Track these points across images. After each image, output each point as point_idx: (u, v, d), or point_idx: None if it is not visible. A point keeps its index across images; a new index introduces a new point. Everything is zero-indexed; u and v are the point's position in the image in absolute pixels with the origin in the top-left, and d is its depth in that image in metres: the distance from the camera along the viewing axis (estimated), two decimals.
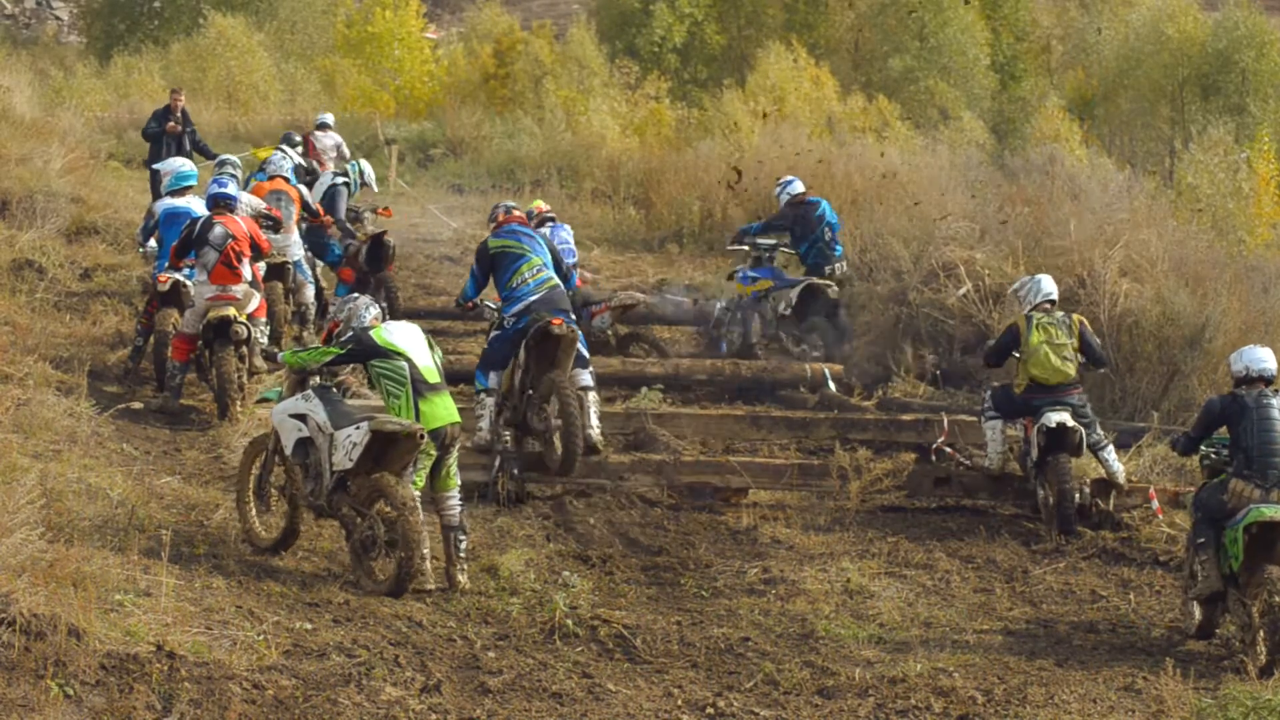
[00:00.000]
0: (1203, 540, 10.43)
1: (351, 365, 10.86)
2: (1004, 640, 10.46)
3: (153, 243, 15.64)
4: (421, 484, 10.48)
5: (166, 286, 14.58)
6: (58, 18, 53.82)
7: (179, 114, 21.80)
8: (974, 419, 14.08)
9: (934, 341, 17.44)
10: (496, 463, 12.69)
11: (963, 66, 41.72)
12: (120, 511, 10.79)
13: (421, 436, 10.31)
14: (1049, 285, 13.27)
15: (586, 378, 13.12)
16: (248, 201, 15.69)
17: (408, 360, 10.47)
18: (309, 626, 9.49)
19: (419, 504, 10.37)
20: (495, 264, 12.98)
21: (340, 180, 18.41)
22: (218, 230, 14.07)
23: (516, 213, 13.61)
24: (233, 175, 15.64)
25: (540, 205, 17.72)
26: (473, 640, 9.68)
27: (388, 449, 10.37)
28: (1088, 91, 43.74)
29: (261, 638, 9.11)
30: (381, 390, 10.46)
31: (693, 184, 24.83)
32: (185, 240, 14.16)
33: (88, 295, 17.73)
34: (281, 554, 10.79)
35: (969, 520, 12.99)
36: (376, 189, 19.59)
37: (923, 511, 13.24)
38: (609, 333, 16.79)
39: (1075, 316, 13.17)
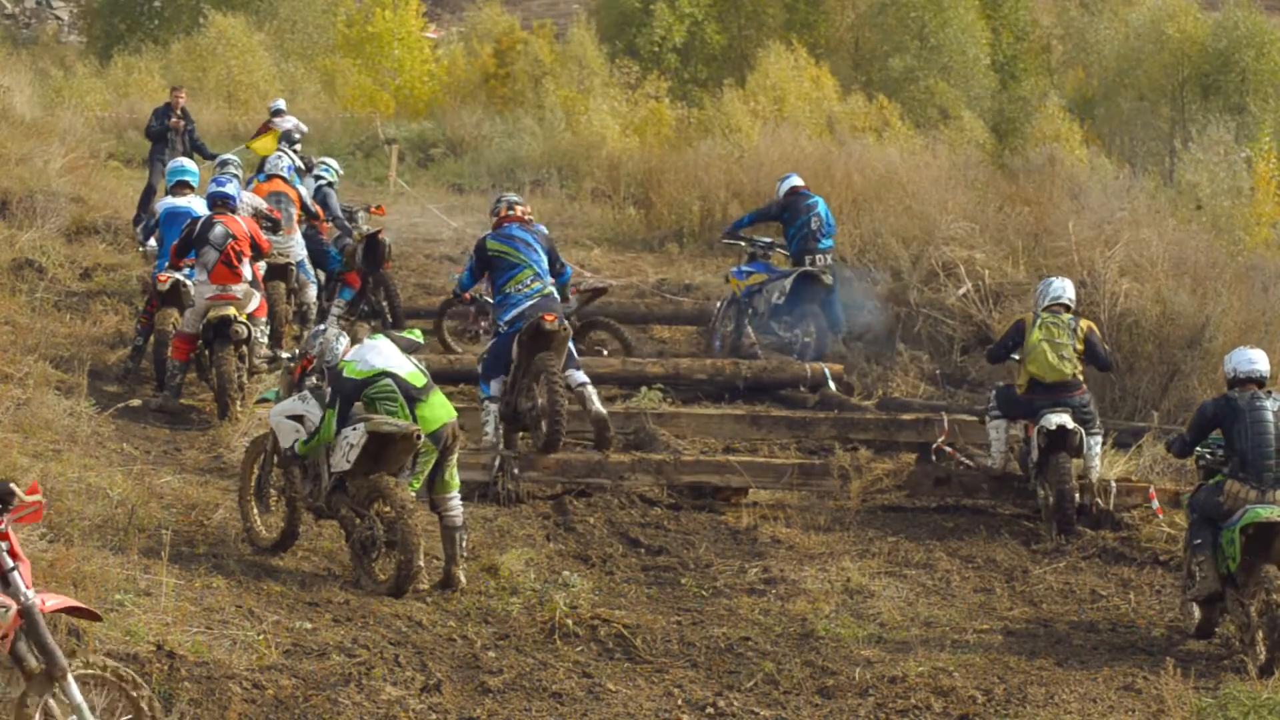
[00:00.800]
0: (1200, 541, 10.44)
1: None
2: (1004, 640, 10.46)
3: (153, 242, 15.64)
4: (418, 486, 10.48)
5: (166, 286, 14.57)
6: (58, 17, 53.81)
7: (179, 111, 21.79)
8: (974, 419, 14.10)
9: (934, 341, 17.45)
10: (496, 463, 12.71)
11: (963, 66, 41.68)
12: (120, 511, 10.79)
13: (419, 437, 10.32)
14: (1058, 288, 13.19)
15: (581, 375, 13.25)
16: (248, 201, 15.69)
17: (389, 375, 10.44)
18: (309, 626, 9.50)
19: (418, 505, 10.37)
20: (491, 265, 13.25)
21: (323, 182, 18.37)
22: (218, 230, 14.07)
23: (518, 209, 13.64)
24: (233, 175, 15.63)
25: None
26: (473, 640, 9.68)
27: (385, 450, 10.37)
28: (1088, 91, 43.73)
29: (261, 637, 9.12)
30: (379, 411, 10.44)
31: (693, 184, 24.80)
32: (186, 240, 14.17)
33: (88, 295, 17.73)
34: (281, 554, 10.80)
35: (969, 520, 13.00)
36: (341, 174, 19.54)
37: (923, 511, 13.25)
38: (571, 319, 16.54)
39: (1084, 322, 13.10)
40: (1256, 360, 10.72)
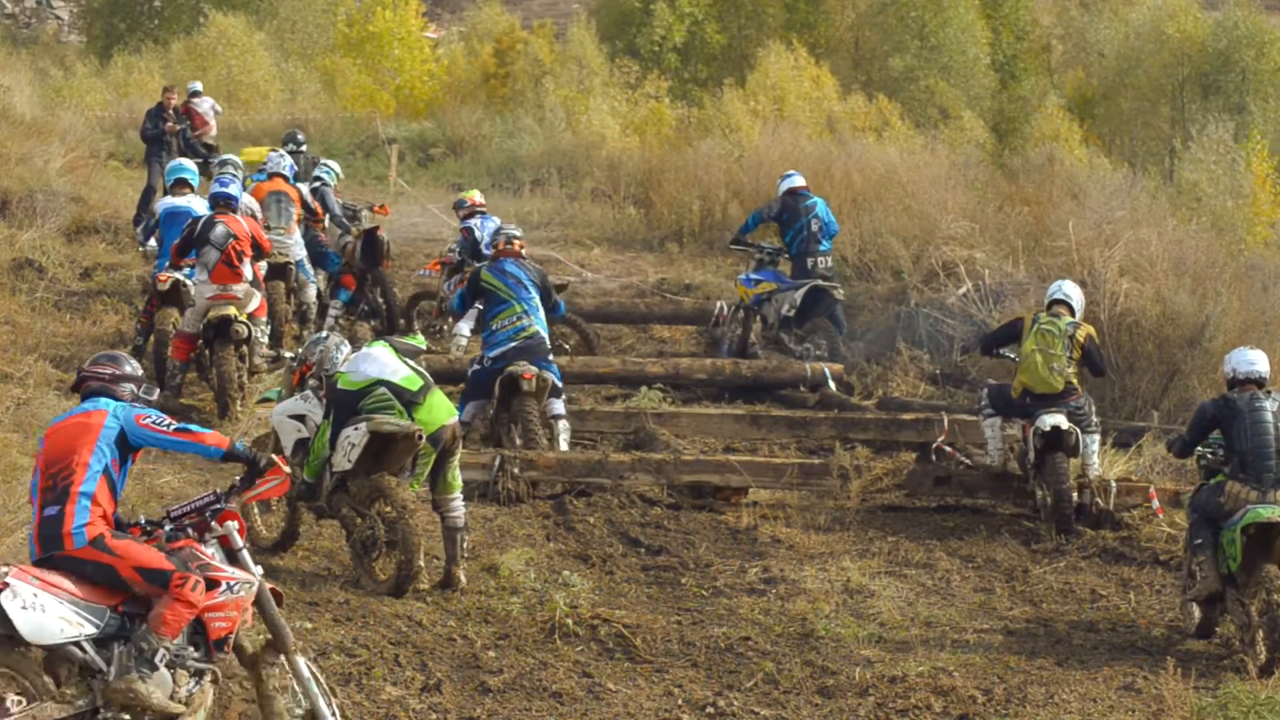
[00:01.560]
0: (1200, 541, 10.44)
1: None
2: (1004, 640, 10.46)
3: (152, 242, 15.65)
4: (418, 486, 10.48)
5: (166, 285, 14.58)
6: (58, 17, 53.82)
7: (171, 112, 21.76)
8: (974, 418, 14.09)
9: (934, 341, 17.45)
10: (496, 462, 12.72)
11: (963, 66, 41.69)
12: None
13: (420, 437, 10.32)
14: (1057, 287, 13.17)
15: (558, 406, 13.57)
16: (246, 203, 15.69)
17: (383, 383, 10.42)
18: (309, 626, 9.50)
19: (419, 505, 10.38)
20: (483, 296, 13.75)
21: (318, 183, 18.35)
22: (219, 229, 14.08)
23: (516, 244, 13.97)
24: (234, 175, 15.63)
25: (474, 196, 17.68)
26: (473, 640, 9.69)
27: (387, 450, 10.37)
28: (1088, 91, 43.74)
29: (262, 637, 9.11)
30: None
31: (693, 183, 24.81)
32: (187, 239, 14.18)
33: (88, 294, 17.73)
34: (281, 554, 10.80)
35: (969, 520, 13.00)
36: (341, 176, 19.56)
37: (923, 511, 13.25)
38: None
39: (1084, 329, 13.00)
40: (1256, 361, 10.72)
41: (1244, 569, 10.23)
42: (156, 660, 7.39)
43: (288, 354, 12.31)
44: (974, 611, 11.00)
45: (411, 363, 10.65)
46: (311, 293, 16.91)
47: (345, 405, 10.36)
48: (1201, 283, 16.70)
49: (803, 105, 34.28)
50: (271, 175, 17.18)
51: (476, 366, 13.60)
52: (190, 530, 7.77)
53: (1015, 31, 45.03)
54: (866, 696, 9.27)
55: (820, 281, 17.13)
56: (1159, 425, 14.80)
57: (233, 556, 7.79)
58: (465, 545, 10.66)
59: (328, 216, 18.04)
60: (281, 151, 18.42)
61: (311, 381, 10.85)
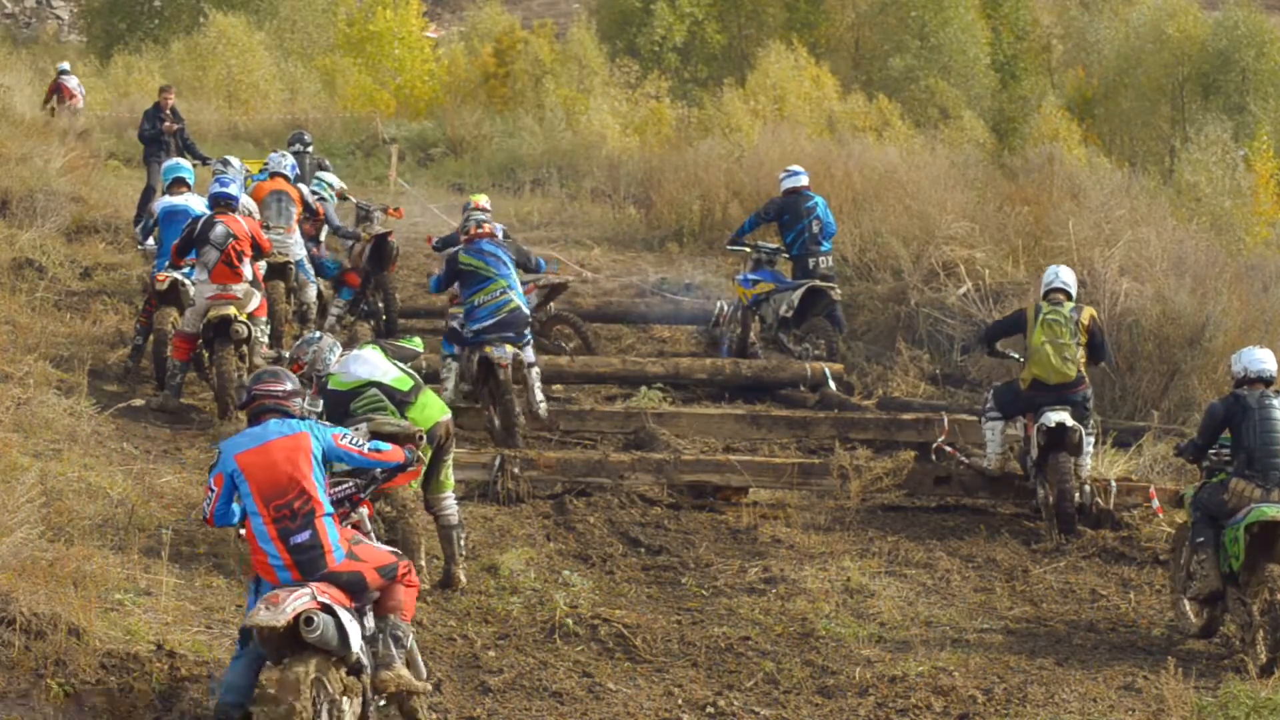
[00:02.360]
0: (1202, 539, 10.44)
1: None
2: (1004, 639, 10.46)
3: (151, 240, 15.64)
4: (416, 486, 10.48)
5: (165, 285, 14.58)
6: (58, 16, 53.82)
7: (168, 112, 21.74)
8: (974, 419, 14.08)
9: (934, 341, 17.45)
10: (497, 462, 12.73)
11: (963, 65, 41.68)
12: (120, 510, 10.79)
13: (421, 438, 10.30)
14: (1055, 275, 13.16)
15: (529, 354, 14.12)
16: (244, 203, 15.67)
17: (374, 384, 10.42)
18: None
19: (418, 504, 10.38)
20: (461, 278, 14.21)
21: (315, 198, 18.22)
22: (219, 229, 14.07)
23: (487, 227, 14.55)
24: (234, 177, 15.61)
25: (479, 201, 17.23)
26: (473, 639, 9.69)
27: None
28: (1088, 90, 43.71)
29: None
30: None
31: (693, 183, 24.80)
32: (186, 239, 14.18)
33: (88, 294, 17.73)
34: None
35: (969, 519, 13.00)
36: (343, 187, 19.48)
37: (923, 511, 13.25)
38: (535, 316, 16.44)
39: (1087, 311, 13.05)
40: (1265, 360, 10.74)
41: (1246, 568, 10.23)
42: (408, 645, 8.14)
43: (287, 355, 12.30)
44: (974, 611, 11.00)
45: (401, 364, 10.66)
46: (312, 293, 16.88)
47: (336, 406, 10.36)
48: (1201, 283, 16.69)
49: (803, 105, 34.27)
50: (272, 175, 17.17)
51: (455, 324, 14.35)
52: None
53: (1015, 31, 45.03)
54: (866, 696, 9.28)
55: (818, 282, 17.11)
56: (1159, 425, 14.80)
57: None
58: (463, 544, 10.67)
59: (325, 228, 17.96)
60: (283, 151, 18.39)
61: (304, 383, 10.83)
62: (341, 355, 10.68)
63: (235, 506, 7.98)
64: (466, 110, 34.42)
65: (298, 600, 7.54)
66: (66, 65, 28.98)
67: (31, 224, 19.45)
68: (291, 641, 7.54)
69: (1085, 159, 26.72)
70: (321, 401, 10.53)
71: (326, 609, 7.59)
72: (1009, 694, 9.37)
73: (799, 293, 16.95)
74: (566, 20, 45.90)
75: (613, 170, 27.48)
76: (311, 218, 17.55)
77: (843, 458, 13.41)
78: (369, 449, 8.25)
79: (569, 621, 9.97)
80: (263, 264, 15.16)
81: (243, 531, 7.99)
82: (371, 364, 10.50)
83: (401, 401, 10.36)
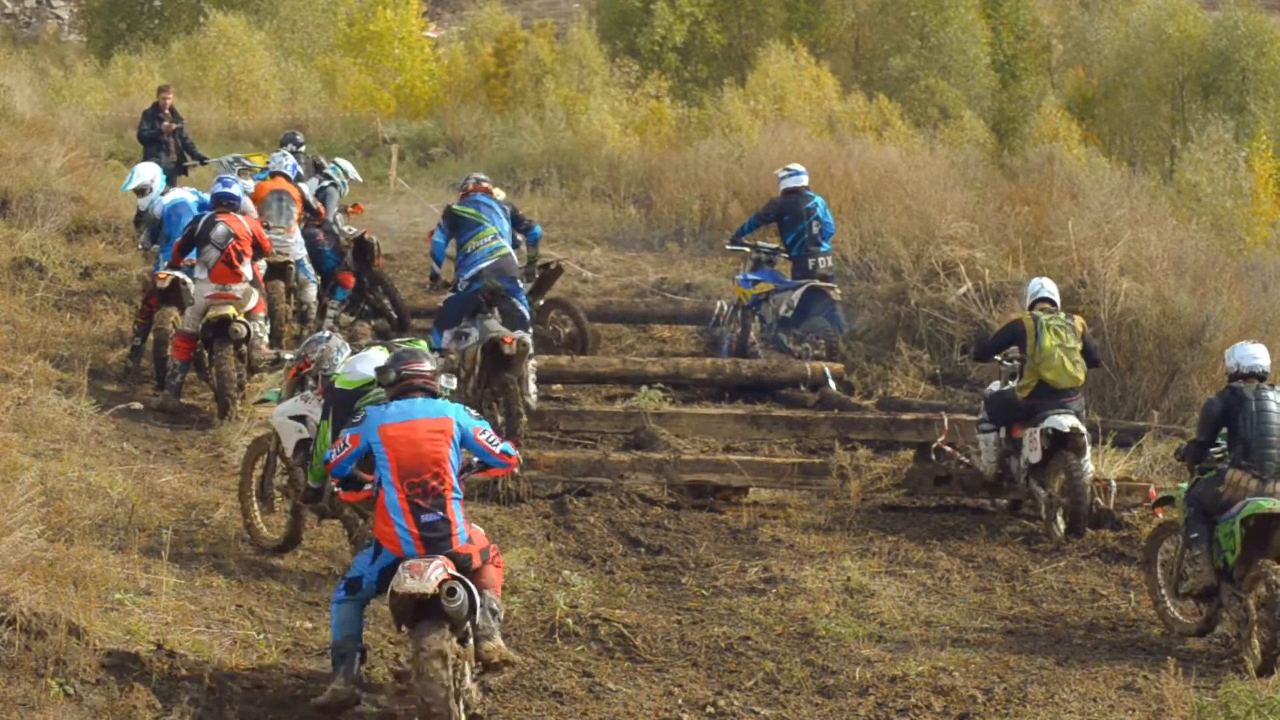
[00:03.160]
0: (1195, 535, 10.44)
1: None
2: (1004, 639, 10.46)
3: (147, 239, 15.65)
4: None
5: (166, 284, 14.58)
6: (58, 16, 53.81)
7: (167, 111, 21.73)
8: (974, 419, 14.08)
9: (934, 341, 17.44)
10: None
11: (963, 66, 41.62)
12: (120, 510, 10.80)
13: None
14: (1038, 286, 13.26)
15: (525, 339, 14.08)
16: (243, 203, 15.67)
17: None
18: (309, 625, 9.51)
19: None
20: (456, 225, 14.67)
21: (327, 183, 18.27)
22: (220, 229, 14.08)
23: (484, 184, 15.05)
24: (236, 178, 15.62)
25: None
26: None
27: None
28: (1088, 90, 43.68)
29: (262, 637, 9.12)
30: None
31: (693, 183, 24.79)
32: (187, 238, 14.20)
33: (88, 294, 17.72)
34: (281, 555, 10.80)
35: (969, 519, 13.00)
36: (360, 180, 19.43)
37: (923, 510, 13.25)
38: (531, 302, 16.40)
39: (1078, 319, 13.14)
40: (1259, 355, 10.76)
41: (1241, 562, 10.23)
42: (501, 617, 8.48)
43: (288, 355, 12.30)
44: (974, 611, 11.00)
45: None
46: (312, 292, 16.88)
47: (342, 405, 10.36)
48: (1201, 282, 16.70)
49: (803, 105, 34.23)
50: (273, 174, 17.16)
51: (450, 294, 14.50)
52: None
53: (1015, 31, 44.98)
54: (866, 696, 9.28)
55: (818, 282, 17.12)
56: (1159, 425, 14.80)
57: None
58: None
59: (330, 214, 17.94)
60: (284, 151, 18.37)
61: (310, 381, 10.84)
62: (349, 356, 10.69)
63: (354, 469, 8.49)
64: (466, 110, 34.39)
65: (437, 570, 7.91)
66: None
67: (31, 224, 19.44)
68: (419, 608, 7.91)
69: (1085, 159, 26.69)
70: (324, 401, 10.52)
71: (460, 581, 7.96)
72: (1009, 694, 9.37)
73: (799, 293, 16.96)
74: (566, 20, 45.89)
75: (613, 170, 27.45)
76: (312, 217, 17.55)
77: (843, 458, 13.42)
78: (500, 450, 8.58)
79: (569, 621, 9.97)
80: (263, 263, 15.17)
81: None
82: (377, 363, 10.50)
83: None
